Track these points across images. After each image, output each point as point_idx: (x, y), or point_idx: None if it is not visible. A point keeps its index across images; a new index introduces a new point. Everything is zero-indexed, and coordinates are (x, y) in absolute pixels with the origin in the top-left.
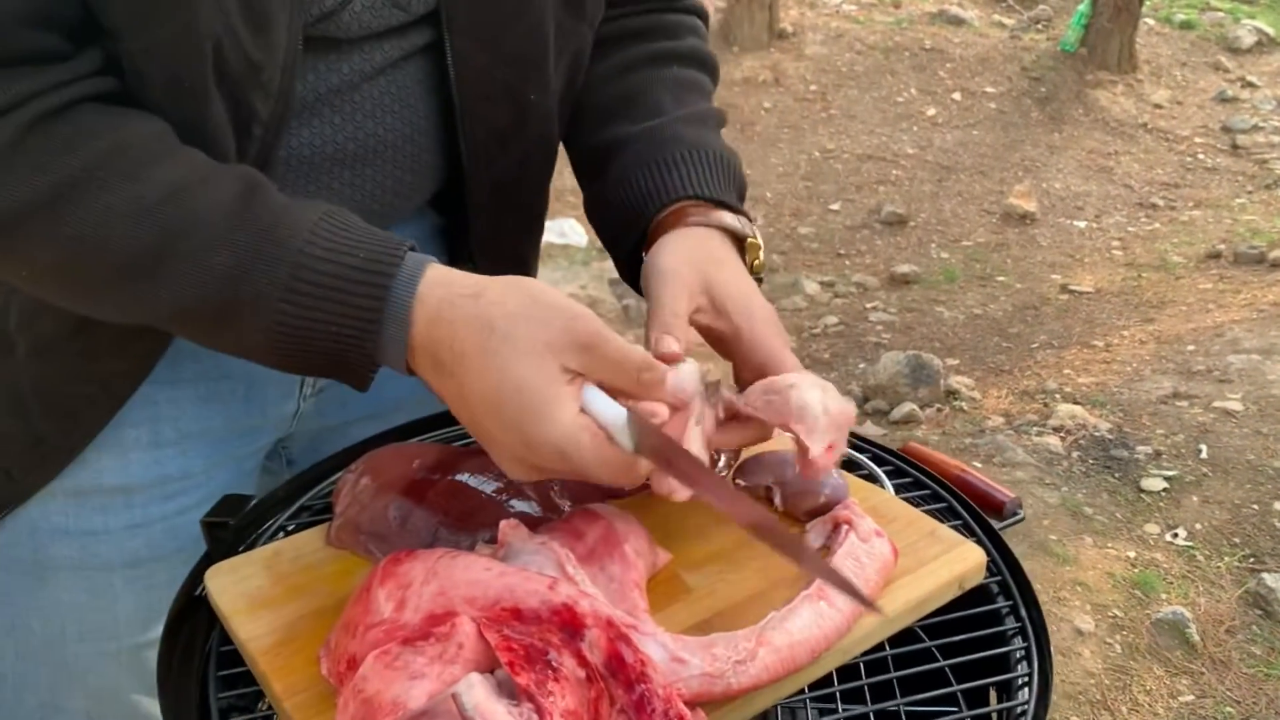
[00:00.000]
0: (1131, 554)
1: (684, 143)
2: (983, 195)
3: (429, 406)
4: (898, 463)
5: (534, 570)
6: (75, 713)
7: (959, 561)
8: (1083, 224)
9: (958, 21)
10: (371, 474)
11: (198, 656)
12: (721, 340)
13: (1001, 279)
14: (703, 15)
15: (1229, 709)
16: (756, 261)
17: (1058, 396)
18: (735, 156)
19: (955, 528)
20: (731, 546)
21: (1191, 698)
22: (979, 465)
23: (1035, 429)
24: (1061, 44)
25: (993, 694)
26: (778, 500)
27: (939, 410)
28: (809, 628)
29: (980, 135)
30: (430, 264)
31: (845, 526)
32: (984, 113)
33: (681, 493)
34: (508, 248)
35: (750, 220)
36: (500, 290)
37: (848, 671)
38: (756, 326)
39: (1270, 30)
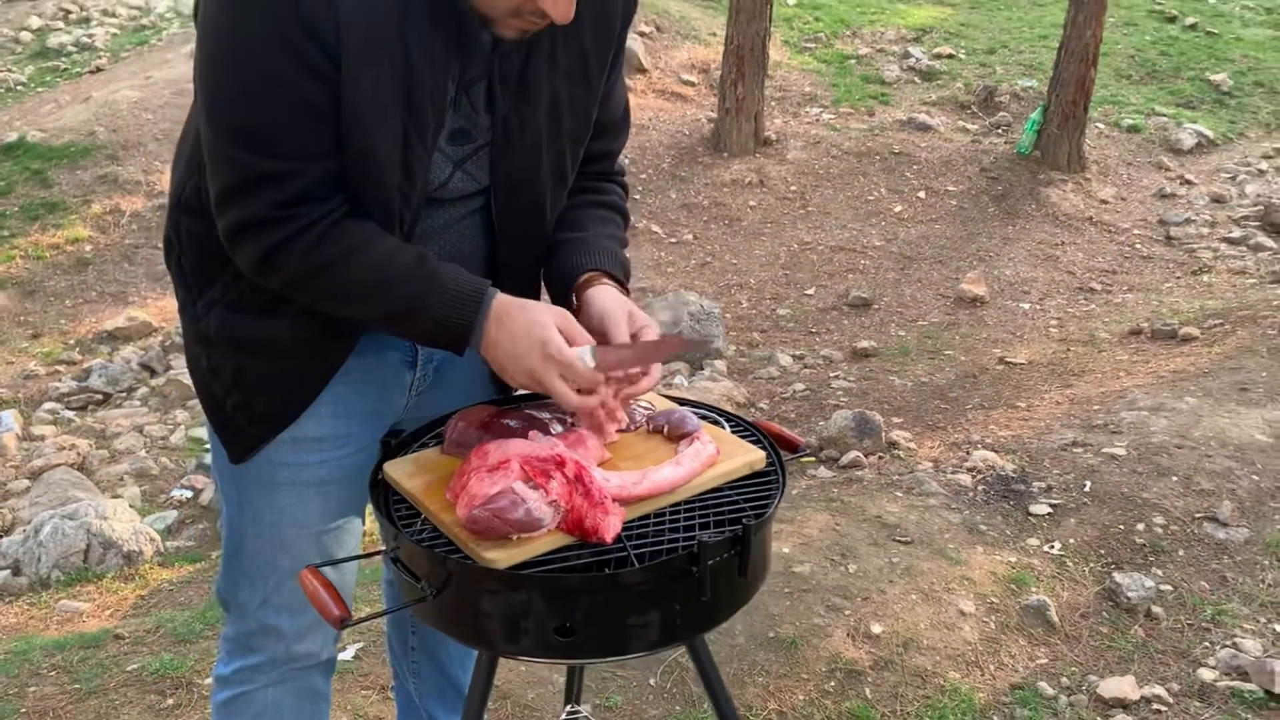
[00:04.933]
0: (1013, 559)
1: (598, 246)
2: (940, 281)
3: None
4: (746, 425)
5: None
6: (284, 570)
7: (750, 456)
8: (1027, 306)
9: (925, 128)
10: (464, 419)
11: (382, 499)
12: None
13: (949, 353)
14: (625, 187)
15: (1073, 668)
16: None
17: (979, 446)
18: (625, 258)
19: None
20: (640, 454)
21: (1045, 661)
22: (900, 494)
23: (953, 469)
24: (1017, 147)
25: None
26: (666, 430)
27: (880, 457)
28: (670, 473)
29: (941, 229)
30: None
31: (695, 440)
32: (945, 209)
33: (612, 433)
34: None
35: (629, 294)
36: None
37: (690, 504)
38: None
39: (1210, 133)
